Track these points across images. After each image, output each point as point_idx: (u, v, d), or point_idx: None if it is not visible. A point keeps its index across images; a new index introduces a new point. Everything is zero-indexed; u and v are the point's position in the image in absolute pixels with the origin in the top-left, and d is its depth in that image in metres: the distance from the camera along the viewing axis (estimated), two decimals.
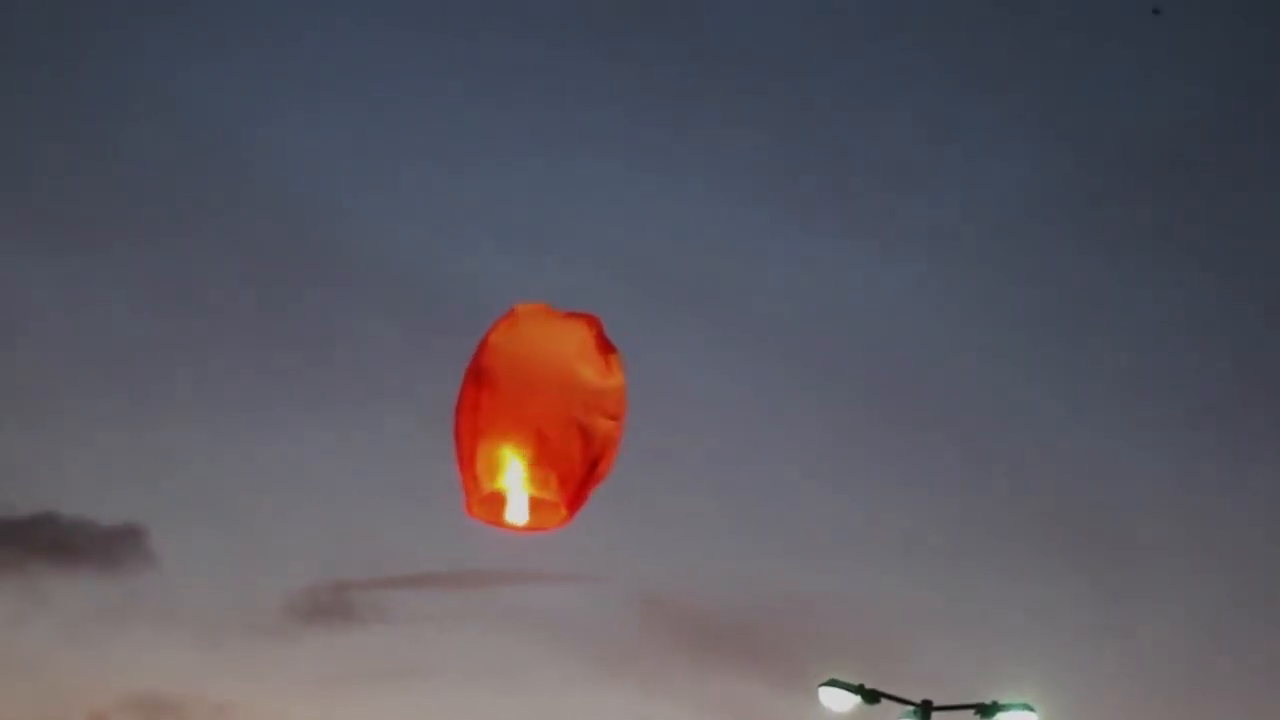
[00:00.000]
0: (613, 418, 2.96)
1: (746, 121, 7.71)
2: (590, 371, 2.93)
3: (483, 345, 2.96)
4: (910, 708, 7.22)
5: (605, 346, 2.97)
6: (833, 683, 7.24)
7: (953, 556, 8.13)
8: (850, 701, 7.22)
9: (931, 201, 7.76)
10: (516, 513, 2.93)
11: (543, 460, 2.89)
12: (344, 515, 8.04)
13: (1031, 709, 7.17)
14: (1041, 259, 7.75)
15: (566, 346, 2.93)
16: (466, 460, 2.90)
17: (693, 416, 7.92)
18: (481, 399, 2.90)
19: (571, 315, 2.99)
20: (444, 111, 7.98)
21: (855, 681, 7.22)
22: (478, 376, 2.93)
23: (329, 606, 8.08)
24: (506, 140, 7.91)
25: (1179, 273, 8.08)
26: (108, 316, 7.84)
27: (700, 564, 8.04)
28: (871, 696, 7.10)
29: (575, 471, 2.92)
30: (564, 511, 2.97)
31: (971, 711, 7.17)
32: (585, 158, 7.86)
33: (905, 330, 7.89)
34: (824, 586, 8.03)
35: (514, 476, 2.91)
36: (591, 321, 2.97)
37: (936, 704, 7.20)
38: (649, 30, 7.76)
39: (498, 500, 2.94)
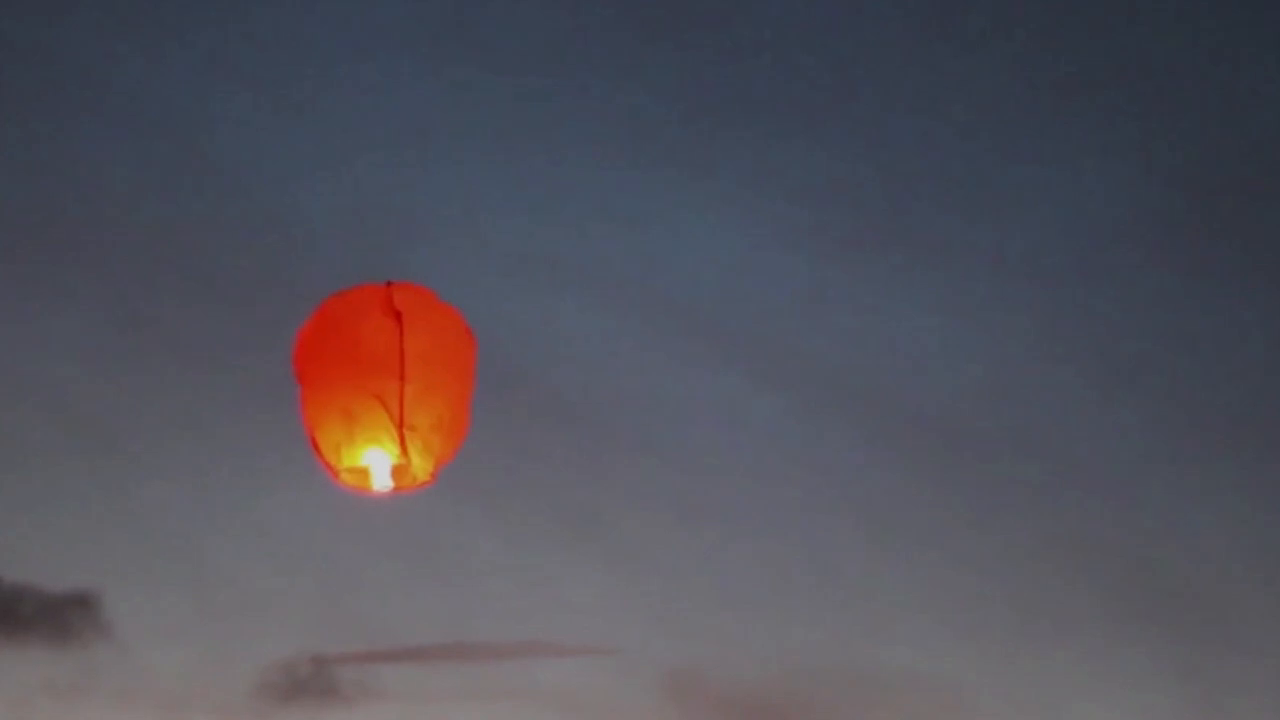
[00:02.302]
0: (400, 379, 3.12)
1: (790, 140, 6.87)
2: (376, 340, 3.13)
3: (296, 345, 3.21)
4: None
5: (389, 311, 3.15)
6: None
7: (1018, 628, 7.25)
8: None
9: (1003, 231, 6.94)
10: (380, 481, 3.19)
11: (359, 435, 3.14)
12: (326, 580, 7.07)
13: None
14: (1126, 296, 6.90)
15: (357, 321, 3.15)
16: (314, 447, 3.20)
17: (727, 469, 7.07)
18: (302, 394, 3.19)
19: (370, 288, 3.19)
20: (430, 149, 6.90)
21: None
22: (297, 374, 3.20)
23: (309, 684, 7.09)
24: (509, 162, 6.87)
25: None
26: (53, 351, 6.87)
27: (734, 634, 7.15)
28: None
29: (395, 436, 3.12)
30: (412, 478, 3.19)
31: None
32: (603, 182, 6.93)
33: (971, 377, 7.06)
34: (875, 661, 7.16)
35: (350, 453, 3.15)
36: (385, 290, 3.15)
37: None
38: (680, 38, 6.84)
39: (356, 474, 3.21)
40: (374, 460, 3.22)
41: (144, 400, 6.99)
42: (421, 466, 3.27)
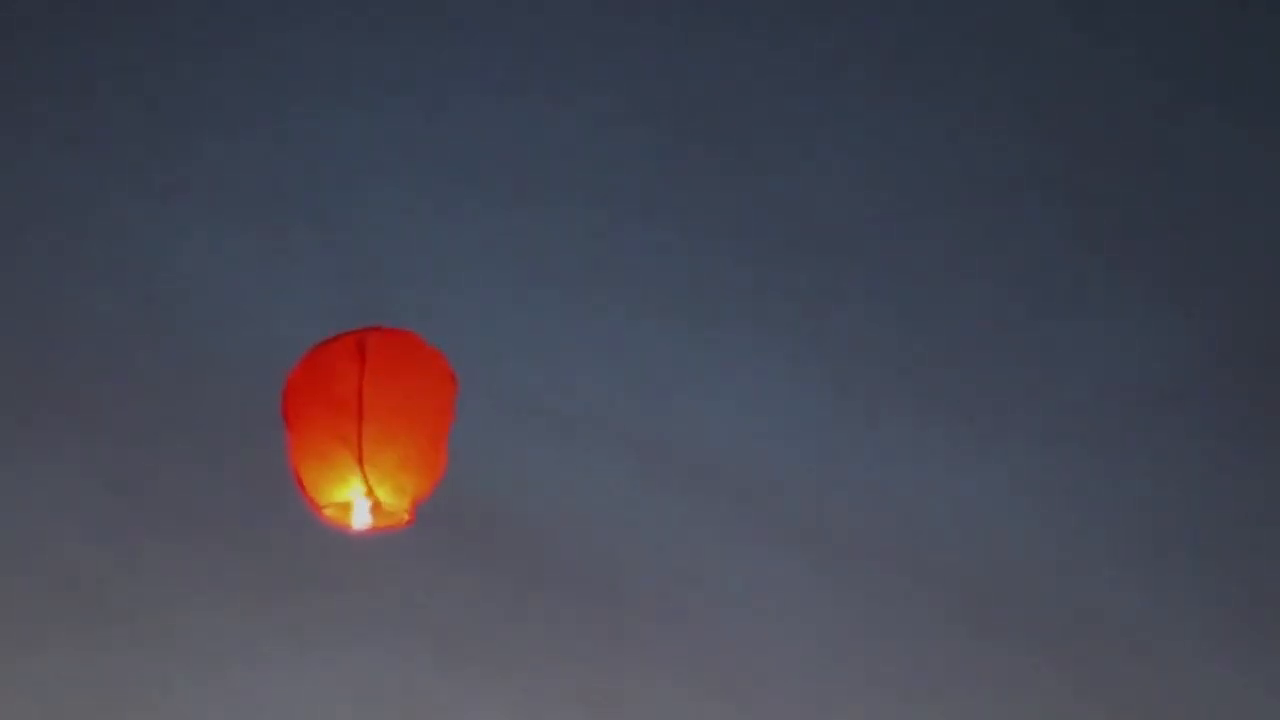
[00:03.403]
0: (358, 419, 3.30)
1: (816, 293, 6.60)
2: (342, 383, 3.34)
3: (285, 388, 3.42)
4: None
5: (357, 355, 3.35)
6: None
7: None
8: None
9: (1037, 390, 6.64)
10: (359, 519, 3.39)
11: (332, 474, 3.33)
12: None
13: None
14: (1169, 460, 6.57)
15: (331, 364, 3.36)
16: (300, 486, 3.41)
17: (749, 636, 6.73)
18: (288, 435, 3.40)
19: (349, 334, 3.39)
20: (441, 281, 6.64)
21: None
22: (284, 416, 3.40)
23: None
24: (524, 314, 6.59)
25: None
26: (36, 514, 6.54)
27: None
28: None
29: (355, 475, 3.31)
30: (391, 516, 3.39)
31: None
32: (621, 336, 6.65)
33: (1004, 541, 6.73)
34: None
35: (327, 491, 3.35)
36: (357, 337, 3.36)
37: None
38: (706, 185, 6.58)
39: (338, 511, 3.40)
40: (354, 498, 3.40)
41: (142, 573, 6.69)
42: (395, 505, 3.42)
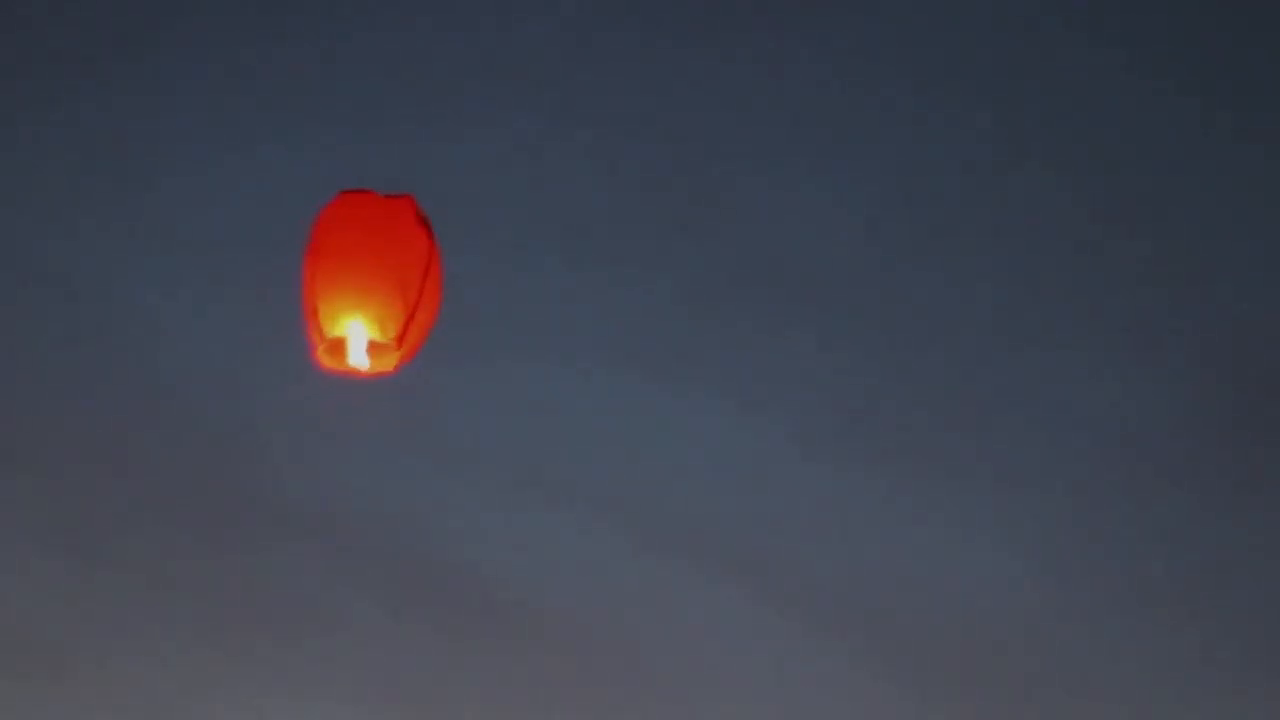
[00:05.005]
0: (423, 274, 3.58)
1: (796, 346, 6.48)
2: (404, 236, 3.57)
3: (317, 222, 3.59)
4: None
5: (419, 219, 3.60)
6: None
7: None
8: None
9: (1026, 442, 6.51)
10: (357, 357, 3.56)
11: (373, 310, 3.54)
12: None
13: None
14: (1162, 513, 6.44)
15: (386, 216, 3.57)
16: (311, 314, 3.57)
17: (732, 696, 6.58)
18: (320, 264, 3.55)
19: (389, 196, 3.61)
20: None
21: None
22: (316, 248, 3.56)
23: None
24: (496, 370, 6.44)
25: None
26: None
27: None
28: None
29: (400, 319, 3.57)
30: (397, 354, 3.60)
31: None
32: (596, 390, 6.50)
33: (991, 599, 6.59)
34: None
35: (352, 325, 3.55)
36: (407, 199, 3.60)
37: None
38: (677, 238, 6.45)
39: (340, 349, 3.57)
40: (355, 335, 3.57)
41: (114, 632, 6.54)
42: (396, 357, 3.63)
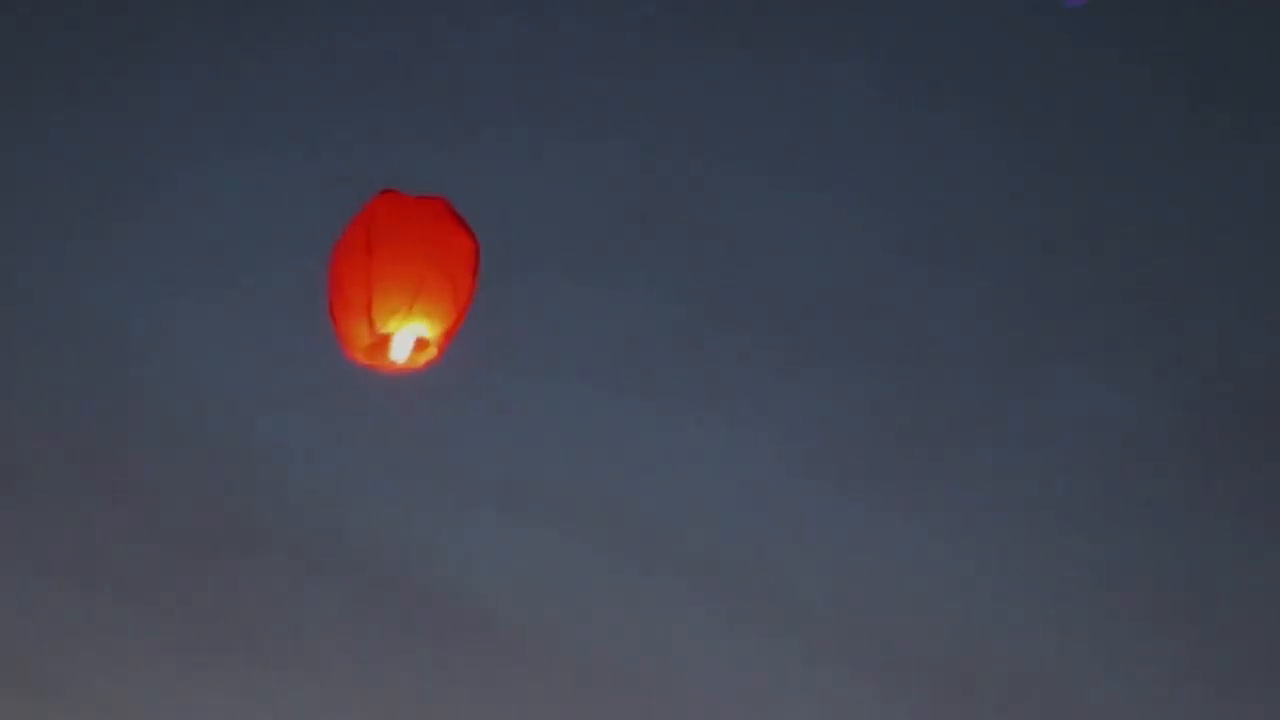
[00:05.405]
0: (472, 273, 3.74)
1: (783, 362, 6.44)
2: (450, 236, 3.73)
3: (365, 219, 3.70)
4: None
5: (458, 218, 3.75)
6: None
7: None
8: None
9: (1013, 458, 6.47)
10: (401, 353, 3.68)
11: (429, 308, 3.67)
12: None
13: None
14: (1152, 529, 6.40)
15: (431, 216, 3.72)
16: (358, 310, 3.68)
17: (717, 715, 6.52)
18: (373, 261, 3.66)
19: (427, 197, 3.76)
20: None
21: None
22: (367, 244, 3.67)
23: None
24: (474, 383, 6.39)
25: None
26: None
27: None
28: None
29: (449, 316, 3.71)
30: (434, 350, 3.74)
31: None
32: (579, 405, 6.47)
33: (981, 616, 6.54)
34: None
35: (403, 321, 3.66)
36: (444, 201, 3.77)
37: None
38: (668, 250, 6.41)
39: (382, 345, 3.68)
40: (407, 332, 3.68)
41: (79, 641, 6.48)
42: (430, 354, 3.75)
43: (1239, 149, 6.29)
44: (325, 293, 3.80)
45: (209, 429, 6.43)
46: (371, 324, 3.66)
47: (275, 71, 6.26)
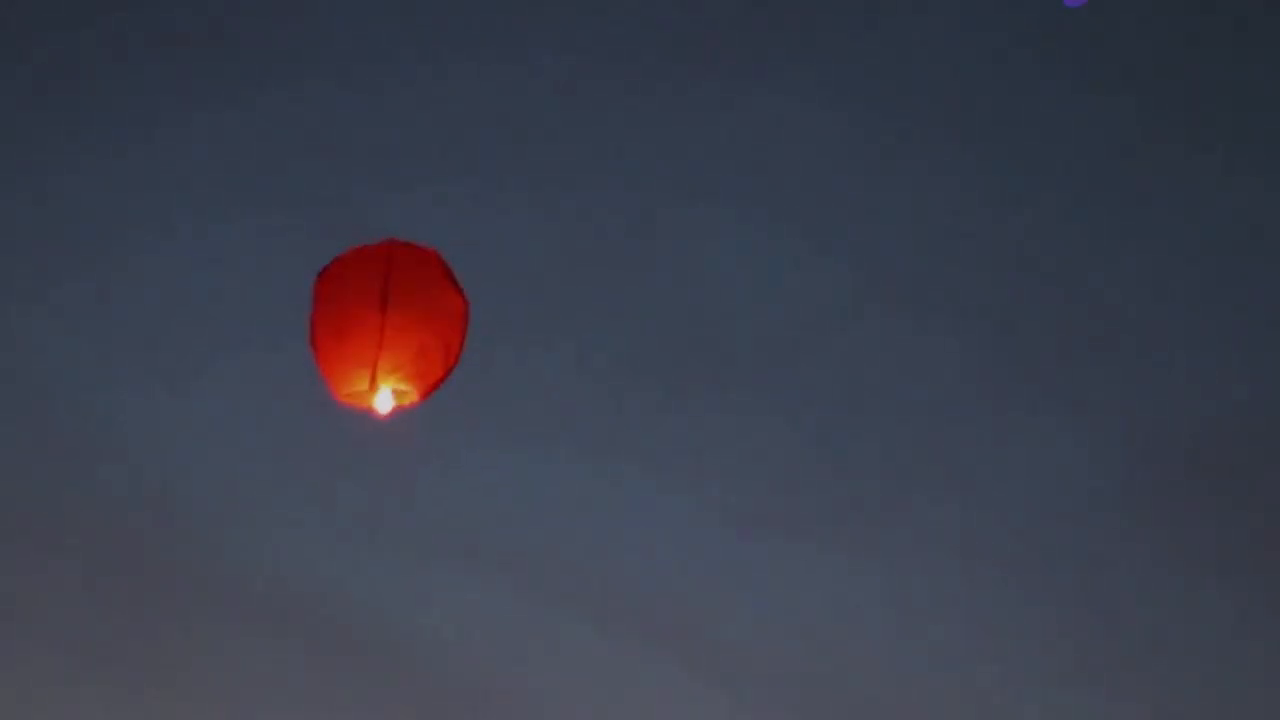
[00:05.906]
0: (461, 334, 3.85)
1: (729, 413, 6.41)
2: (443, 295, 3.84)
3: (382, 268, 3.77)
4: None
5: (450, 275, 3.85)
6: None
7: None
8: None
9: (964, 510, 6.45)
10: (385, 405, 3.80)
11: (421, 366, 3.79)
12: None
13: None
14: (1107, 583, 6.38)
15: (433, 274, 3.83)
16: (364, 362, 3.75)
17: None
18: (386, 320, 3.74)
19: (419, 247, 3.85)
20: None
21: None
22: (382, 297, 3.73)
23: None
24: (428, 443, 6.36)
25: (1257, 594, 6.60)
26: None
27: None
28: None
29: (438, 375, 3.84)
30: (415, 398, 3.85)
31: None
32: (525, 462, 6.42)
33: (933, 672, 6.49)
34: None
35: (401, 380, 3.79)
36: (436, 254, 3.87)
37: None
38: (612, 301, 6.38)
39: (370, 391, 3.77)
40: (395, 388, 3.80)
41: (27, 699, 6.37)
42: (409, 399, 3.87)
43: (1194, 215, 6.35)
44: (309, 318, 3.85)
45: (147, 486, 6.38)
46: (374, 379, 3.74)
47: (210, 130, 6.25)
